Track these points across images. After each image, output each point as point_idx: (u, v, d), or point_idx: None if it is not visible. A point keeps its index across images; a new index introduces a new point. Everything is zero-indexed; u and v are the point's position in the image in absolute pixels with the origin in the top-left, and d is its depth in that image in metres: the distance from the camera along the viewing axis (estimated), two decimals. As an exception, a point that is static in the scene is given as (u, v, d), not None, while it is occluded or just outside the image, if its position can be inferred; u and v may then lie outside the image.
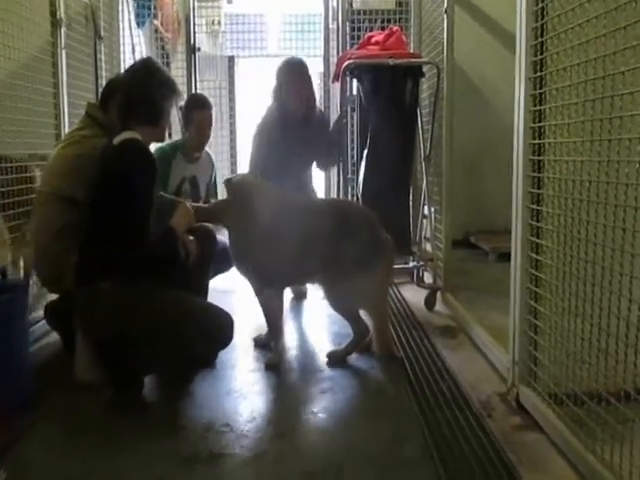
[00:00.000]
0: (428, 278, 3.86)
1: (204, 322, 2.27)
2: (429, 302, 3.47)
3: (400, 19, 4.56)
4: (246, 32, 5.85)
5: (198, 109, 3.35)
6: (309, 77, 3.50)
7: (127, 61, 4.36)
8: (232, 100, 6.03)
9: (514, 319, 2.17)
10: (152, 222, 2.21)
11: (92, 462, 1.87)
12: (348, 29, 4.58)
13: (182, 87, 4.29)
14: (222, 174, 4.69)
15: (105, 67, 4.04)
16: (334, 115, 4.50)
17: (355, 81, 3.69)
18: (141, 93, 2.26)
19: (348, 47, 4.48)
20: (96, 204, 2.19)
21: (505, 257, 2.43)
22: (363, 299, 2.64)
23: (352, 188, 3.79)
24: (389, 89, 3.53)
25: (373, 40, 3.82)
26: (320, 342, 2.96)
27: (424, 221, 3.90)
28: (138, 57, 4.34)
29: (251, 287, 2.76)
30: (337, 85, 3.79)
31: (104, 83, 3.24)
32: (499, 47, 4.66)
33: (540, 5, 1.95)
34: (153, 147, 2.81)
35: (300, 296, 3.68)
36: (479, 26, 4.91)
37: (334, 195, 4.18)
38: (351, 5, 4.63)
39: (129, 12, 4.60)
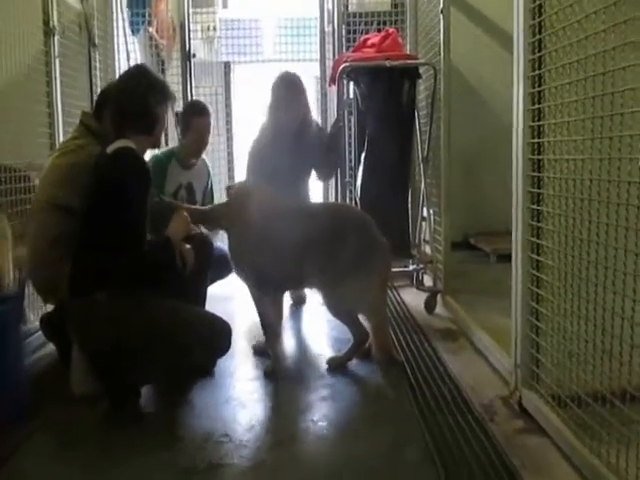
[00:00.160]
0: (428, 281, 3.82)
1: (201, 331, 2.24)
2: (429, 305, 3.44)
3: (396, 21, 4.55)
4: (241, 37, 5.84)
5: (197, 116, 3.32)
6: (304, 92, 3.43)
7: (122, 69, 4.32)
8: (228, 106, 6.02)
9: (515, 321, 2.14)
10: (148, 228, 2.19)
11: (88, 474, 1.84)
12: (344, 32, 4.58)
13: (178, 94, 4.27)
14: (219, 180, 4.67)
15: (100, 75, 4.00)
16: (331, 118, 4.48)
17: (352, 84, 3.68)
18: (134, 103, 2.23)
19: (344, 50, 4.47)
20: (90, 213, 2.16)
21: (505, 258, 2.41)
22: (361, 303, 2.61)
23: (350, 192, 3.77)
24: (386, 91, 3.51)
25: (369, 42, 3.80)
26: (320, 348, 2.93)
27: (423, 223, 3.87)
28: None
29: (249, 293, 2.73)
30: (334, 88, 3.78)
31: (99, 91, 3.21)
32: (496, 48, 4.64)
33: (537, 2, 1.93)
34: (148, 155, 2.80)
35: (299, 301, 3.66)
36: (475, 27, 4.91)
37: (332, 199, 4.16)
38: (347, 8, 4.64)
39: (123, 19, 4.58)
